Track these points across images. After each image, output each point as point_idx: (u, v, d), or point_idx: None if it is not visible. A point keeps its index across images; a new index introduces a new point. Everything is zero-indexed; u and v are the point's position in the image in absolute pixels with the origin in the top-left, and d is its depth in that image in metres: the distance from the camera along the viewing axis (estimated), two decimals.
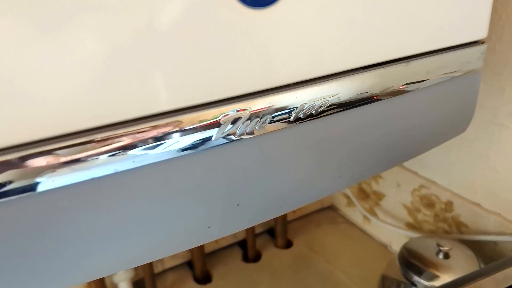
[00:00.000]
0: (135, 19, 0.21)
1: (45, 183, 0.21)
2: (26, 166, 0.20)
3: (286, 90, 0.27)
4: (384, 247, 0.72)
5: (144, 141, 0.23)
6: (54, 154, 0.21)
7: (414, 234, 0.64)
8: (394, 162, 0.38)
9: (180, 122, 0.24)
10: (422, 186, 0.62)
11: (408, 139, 0.37)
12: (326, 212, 0.82)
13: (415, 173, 0.63)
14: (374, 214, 0.72)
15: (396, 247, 0.69)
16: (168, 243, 0.27)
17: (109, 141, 0.22)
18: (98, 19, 0.20)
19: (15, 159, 0.20)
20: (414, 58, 0.32)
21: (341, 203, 0.80)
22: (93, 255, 0.25)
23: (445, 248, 0.49)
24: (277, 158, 0.29)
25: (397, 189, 0.66)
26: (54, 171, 0.21)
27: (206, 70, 0.24)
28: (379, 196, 0.70)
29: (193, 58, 0.23)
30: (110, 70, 0.21)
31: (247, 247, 0.70)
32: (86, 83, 0.21)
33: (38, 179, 0.21)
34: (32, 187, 0.21)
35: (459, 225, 0.58)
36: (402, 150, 0.37)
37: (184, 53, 0.23)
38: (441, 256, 0.50)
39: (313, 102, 0.28)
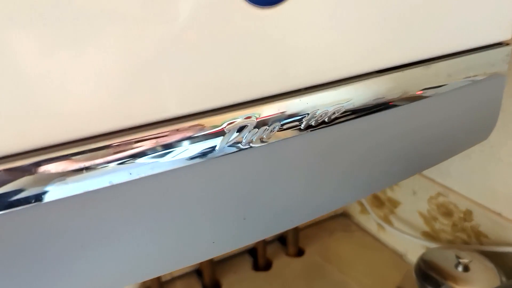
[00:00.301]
0: (143, 25, 0.20)
1: (55, 192, 0.20)
2: (37, 173, 0.19)
3: (297, 95, 0.25)
4: (399, 256, 0.70)
5: (148, 150, 0.22)
6: (66, 160, 0.20)
7: (430, 244, 0.62)
8: (412, 172, 0.36)
9: (182, 129, 0.22)
10: (439, 194, 0.60)
11: (426, 147, 0.35)
12: (339, 219, 0.80)
13: (432, 180, 0.61)
14: (389, 222, 0.70)
15: (412, 256, 0.67)
16: (168, 259, 0.26)
17: (112, 149, 0.21)
18: (109, 26, 0.19)
19: (27, 165, 0.19)
20: (435, 61, 0.31)
21: (354, 210, 0.79)
22: (91, 272, 0.24)
23: (465, 260, 0.48)
24: (286, 168, 0.27)
25: (413, 197, 0.65)
26: (64, 179, 0.20)
27: (211, 74, 0.22)
28: (394, 203, 0.69)
29: (196, 62, 0.22)
30: (117, 76, 0.20)
31: (258, 255, 0.69)
32: (95, 89, 0.20)
33: (47, 188, 0.20)
34: (40, 197, 0.20)
35: (479, 236, 0.56)
36: (420, 159, 0.35)
37: (188, 56, 0.21)
38: (460, 268, 0.48)
39: (326, 109, 0.26)
